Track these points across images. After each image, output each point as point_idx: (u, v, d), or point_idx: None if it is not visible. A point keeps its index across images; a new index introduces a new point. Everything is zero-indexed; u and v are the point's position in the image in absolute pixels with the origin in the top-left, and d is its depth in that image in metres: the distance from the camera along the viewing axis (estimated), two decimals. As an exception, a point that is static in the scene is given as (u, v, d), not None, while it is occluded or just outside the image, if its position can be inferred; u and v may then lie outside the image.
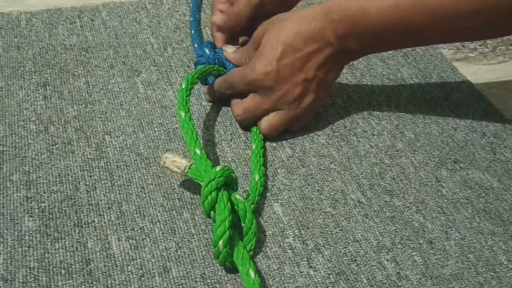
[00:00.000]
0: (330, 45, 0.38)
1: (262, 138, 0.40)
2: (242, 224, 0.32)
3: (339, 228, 0.35)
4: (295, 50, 0.38)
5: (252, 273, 0.30)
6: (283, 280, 0.32)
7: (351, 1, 0.37)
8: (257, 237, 0.33)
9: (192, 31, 0.49)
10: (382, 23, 0.36)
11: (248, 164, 0.39)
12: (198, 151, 0.34)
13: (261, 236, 0.34)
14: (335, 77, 0.41)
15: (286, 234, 0.34)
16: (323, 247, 0.34)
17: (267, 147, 0.40)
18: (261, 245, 0.34)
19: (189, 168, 0.33)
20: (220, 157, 0.39)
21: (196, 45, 0.47)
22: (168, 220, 0.34)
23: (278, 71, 0.38)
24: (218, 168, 0.32)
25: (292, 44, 0.38)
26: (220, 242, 0.31)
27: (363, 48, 0.39)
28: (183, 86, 0.38)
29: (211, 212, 0.32)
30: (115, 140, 0.39)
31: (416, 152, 0.41)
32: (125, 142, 0.39)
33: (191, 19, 0.51)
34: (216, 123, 0.42)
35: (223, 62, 0.44)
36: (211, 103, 0.44)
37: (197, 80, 0.40)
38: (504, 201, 0.38)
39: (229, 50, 0.43)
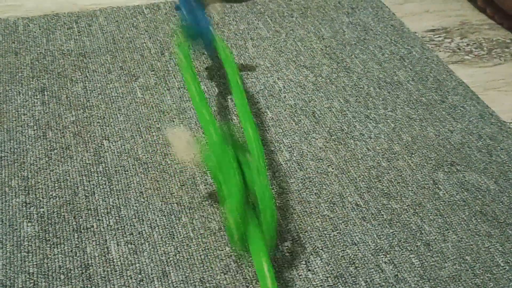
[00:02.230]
0: None
1: (241, 86, 0.38)
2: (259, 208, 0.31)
3: (337, 231, 0.35)
4: None
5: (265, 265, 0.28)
6: (282, 283, 0.32)
7: None
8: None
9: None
10: None
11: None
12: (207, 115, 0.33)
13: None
14: None
15: (284, 237, 0.34)
16: (321, 250, 0.34)
17: (264, 151, 0.40)
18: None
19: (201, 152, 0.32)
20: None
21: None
22: (167, 225, 0.35)
23: None
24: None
25: None
26: (232, 219, 0.29)
27: None
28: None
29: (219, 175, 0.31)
30: (113, 145, 0.40)
31: (413, 155, 0.41)
32: (123, 146, 0.40)
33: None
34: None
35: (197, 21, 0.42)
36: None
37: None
38: (501, 203, 0.38)
39: None
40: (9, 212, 0.34)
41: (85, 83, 0.45)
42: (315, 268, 0.33)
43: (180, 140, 0.33)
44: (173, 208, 0.36)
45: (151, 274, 0.32)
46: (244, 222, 0.30)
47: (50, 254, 0.32)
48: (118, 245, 0.33)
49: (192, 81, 0.35)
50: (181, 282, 0.31)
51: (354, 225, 0.36)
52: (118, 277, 0.31)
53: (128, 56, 0.48)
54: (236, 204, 0.29)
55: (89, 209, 0.35)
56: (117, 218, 0.35)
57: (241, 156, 0.31)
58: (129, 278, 0.31)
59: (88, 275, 0.31)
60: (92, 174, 0.37)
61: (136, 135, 0.41)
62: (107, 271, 0.32)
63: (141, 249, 0.33)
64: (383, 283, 0.32)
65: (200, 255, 0.33)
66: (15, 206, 0.35)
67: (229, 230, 0.30)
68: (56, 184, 0.36)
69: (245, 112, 0.35)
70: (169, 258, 0.33)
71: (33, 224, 0.34)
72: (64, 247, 0.33)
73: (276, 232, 0.31)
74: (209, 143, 0.32)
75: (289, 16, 0.56)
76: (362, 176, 0.39)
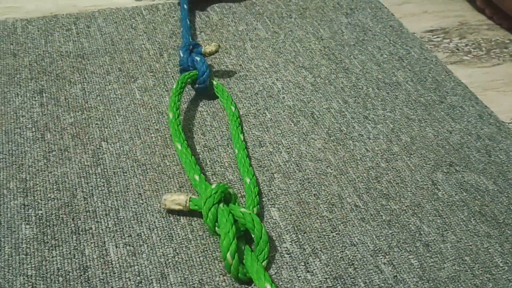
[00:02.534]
0: None
1: (243, 140, 0.40)
2: (252, 235, 0.32)
3: (336, 232, 0.35)
4: None
5: (268, 286, 0.30)
6: (281, 285, 0.32)
7: None
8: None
9: (183, 30, 0.50)
10: None
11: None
12: (197, 177, 0.35)
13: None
14: None
15: (283, 239, 0.34)
16: (320, 252, 0.34)
17: (263, 152, 0.40)
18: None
19: (189, 201, 0.34)
20: (217, 162, 0.39)
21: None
22: (166, 226, 0.34)
23: None
24: (213, 185, 0.33)
25: None
26: (228, 255, 0.31)
27: None
28: (170, 110, 0.39)
29: (216, 229, 0.32)
30: (111, 147, 0.40)
31: (412, 156, 0.41)
32: (122, 148, 0.40)
33: (182, 22, 0.51)
34: (212, 128, 0.42)
35: (194, 64, 0.44)
36: (205, 108, 0.44)
37: (182, 90, 0.41)
38: (500, 203, 0.38)
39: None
40: (7, 214, 0.34)
41: (84, 85, 0.45)
42: (314, 269, 0.33)
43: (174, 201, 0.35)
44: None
45: (150, 276, 0.32)
46: (240, 257, 0.31)
47: (49, 257, 0.32)
48: (116, 247, 0.33)
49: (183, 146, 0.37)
50: (180, 283, 0.31)
51: (353, 226, 0.36)
52: (116, 279, 0.31)
53: (127, 58, 0.48)
54: (229, 243, 0.31)
55: (88, 211, 0.35)
56: (115, 220, 0.35)
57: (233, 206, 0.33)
58: (127, 280, 0.31)
59: (86, 277, 0.31)
60: (91, 176, 0.37)
61: (134, 137, 0.41)
62: (106, 273, 0.32)
63: (139, 251, 0.33)
64: (382, 284, 0.32)
65: (199, 257, 0.33)
66: (13, 208, 0.35)
67: (227, 266, 0.31)
68: (54, 186, 0.36)
69: (245, 164, 0.38)
70: (168, 259, 0.33)
71: (32, 226, 0.34)
72: (62, 249, 0.33)
73: (268, 246, 0.32)
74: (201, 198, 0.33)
75: (287, 17, 0.56)
76: (361, 177, 0.39)
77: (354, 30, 0.55)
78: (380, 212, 0.37)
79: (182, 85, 0.41)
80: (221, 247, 0.31)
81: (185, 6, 0.53)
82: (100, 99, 0.44)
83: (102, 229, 0.34)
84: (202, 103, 0.45)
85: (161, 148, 0.40)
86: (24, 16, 0.53)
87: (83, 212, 0.35)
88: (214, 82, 0.44)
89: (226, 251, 0.31)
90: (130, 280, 0.31)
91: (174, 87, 0.41)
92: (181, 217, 0.35)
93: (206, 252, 0.33)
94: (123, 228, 0.34)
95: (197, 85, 0.44)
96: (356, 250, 0.34)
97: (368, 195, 0.38)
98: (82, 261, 0.32)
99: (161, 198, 0.36)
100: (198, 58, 0.44)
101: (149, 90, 0.45)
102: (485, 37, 0.57)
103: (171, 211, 0.35)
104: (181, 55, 0.45)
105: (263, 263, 0.32)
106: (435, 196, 0.38)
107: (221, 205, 0.32)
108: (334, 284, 0.32)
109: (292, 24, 0.55)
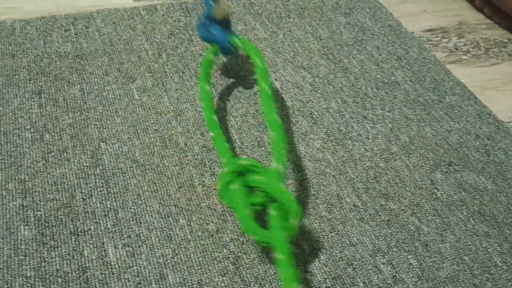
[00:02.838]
0: None
1: (269, 88, 0.38)
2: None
3: (335, 232, 0.35)
4: None
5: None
6: (280, 285, 0.32)
7: None
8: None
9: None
10: None
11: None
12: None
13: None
14: None
15: (282, 239, 0.34)
16: (319, 252, 0.34)
17: (261, 152, 0.40)
18: (257, 251, 0.34)
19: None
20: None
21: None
22: (165, 227, 0.34)
23: None
24: (239, 160, 0.32)
25: None
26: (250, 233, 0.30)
27: None
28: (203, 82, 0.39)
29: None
30: (110, 147, 0.40)
31: (410, 155, 0.41)
32: (120, 149, 0.40)
33: None
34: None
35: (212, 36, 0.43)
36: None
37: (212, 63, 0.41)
38: (499, 203, 0.38)
39: None
40: (6, 215, 0.34)
41: (82, 85, 0.45)
42: (313, 269, 0.33)
43: None
44: (171, 210, 0.36)
45: (149, 277, 0.32)
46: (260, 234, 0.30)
47: (48, 258, 0.32)
48: (115, 247, 0.33)
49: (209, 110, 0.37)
50: (179, 284, 0.31)
51: (352, 226, 0.36)
52: (115, 280, 0.31)
53: (125, 58, 0.48)
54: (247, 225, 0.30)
55: (87, 211, 0.35)
56: (114, 220, 0.34)
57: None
58: (126, 281, 0.31)
59: (85, 278, 0.31)
60: (90, 177, 0.37)
61: (133, 137, 0.41)
62: (105, 274, 0.32)
63: (138, 252, 0.33)
64: (381, 284, 0.32)
65: (198, 257, 0.33)
66: (12, 209, 0.35)
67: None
68: (53, 187, 0.36)
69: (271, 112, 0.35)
70: (166, 260, 0.33)
71: (30, 227, 0.34)
72: (61, 250, 0.33)
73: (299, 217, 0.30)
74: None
75: (286, 17, 0.56)
76: (360, 177, 0.39)
77: (352, 30, 0.55)
78: (379, 212, 0.37)
79: (208, 63, 0.41)
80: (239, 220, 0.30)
81: None
82: (99, 100, 0.44)
83: (101, 230, 0.34)
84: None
85: (160, 148, 0.40)
86: (22, 16, 0.53)
87: (82, 213, 0.35)
88: (237, 40, 0.42)
89: (246, 226, 0.30)
90: (129, 281, 0.31)
91: (202, 63, 0.41)
92: (180, 218, 0.35)
93: (205, 252, 0.33)
94: (122, 228, 0.34)
95: (223, 54, 0.44)
96: (355, 250, 0.34)
97: (367, 195, 0.38)
98: (81, 262, 0.32)
99: (160, 198, 0.36)
100: (214, 32, 0.42)
101: (147, 90, 0.45)
102: (484, 36, 0.57)
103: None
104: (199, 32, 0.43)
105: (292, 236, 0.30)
106: (434, 195, 0.38)
107: (236, 183, 0.31)
108: (333, 284, 0.32)
109: (291, 24, 0.55)
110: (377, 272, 0.33)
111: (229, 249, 0.33)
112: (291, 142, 0.41)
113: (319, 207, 0.37)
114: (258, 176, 0.31)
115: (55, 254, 0.32)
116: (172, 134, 0.41)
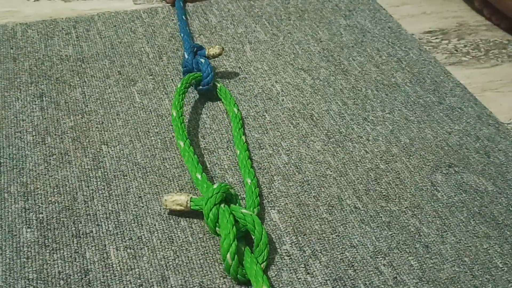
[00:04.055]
0: None
1: (245, 141, 0.40)
2: (253, 237, 0.33)
3: (336, 234, 0.35)
4: None
5: None
6: (281, 286, 0.32)
7: None
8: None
9: (182, 34, 0.50)
10: None
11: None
12: (199, 176, 0.35)
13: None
14: None
15: (283, 241, 0.35)
16: (320, 253, 0.34)
17: (262, 154, 0.41)
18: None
19: (190, 201, 0.34)
20: (216, 165, 0.39)
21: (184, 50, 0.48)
22: (166, 229, 0.35)
23: None
24: (215, 185, 0.33)
25: None
26: (228, 255, 0.31)
27: None
28: (174, 108, 0.40)
29: (217, 229, 0.33)
30: (112, 150, 0.40)
31: (411, 157, 0.41)
32: (122, 151, 0.40)
33: (179, 23, 0.52)
34: (212, 130, 0.42)
35: (199, 66, 0.44)
36: (205, 111, 0.44)
37: (186, 90, 0.42)
38: (499, 204, 0.38)
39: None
40: (8, 218, 0.34)
41: (84, 88, 0.45)
42: (314, 271, 0.33)
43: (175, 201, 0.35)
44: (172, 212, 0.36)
45: (151, 279, 0.32)
46: (240, 258, 0.32)
47: (50, 260, 0.32)
48: (117, 250, 0.33)
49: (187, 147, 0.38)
50: (181, 286, 0.32)
51: (353, 228, 0.36)
52: (117, 282, 0.31)
53: (126, 61, 0.48)
54: (229, 245, 0.31)
55: (88, 214, 0.35)
56: (116, 223, 0.35)
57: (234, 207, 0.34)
58: (128, 283, 0.31)
59: (87, 280, 0.31)
60: (91, 179, 0.37)
61: (134, 140, 0.41)
62: (107, 276, 0.32)
63: (140, 254, 0.33)
64: (382, 286, 0.32)
65: (199, 259, 0.33)
66: (14, 212, 0.35)
67: (227, 267, 0.31)
68: (55, 190, 0.36)
69: (246, 165, 0.38)
70: (168, 262, 0.33)
71: (33, 230, 0.34)
72: (63, 253, 0.33)
73: (268, 248, 0.32)
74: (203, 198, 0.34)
75: (286, 19, 0.56)
76: (360, 179, 0.39)
77: (352, 32, 0.55)
78: (380, 213, 0.37)
79: (186, 85, 0.42)
80: (221, 248, 0.31)
81: (180, 3, 0.54)
82: (100, 103, 0.44)
83: (102, 232, 0.34)
84: (202, 106, 0.45)
85: (161, 151, 0.40)
86: (23, 20, 0.53)
87: (83, 216, 0.35)
88: (218, 85, 0.45)
89: (226, 252, 0.31)
90: (131, 283, 0.31)
91: (178, 86, 0.41)
92: (181, 220, 0.35)
93: (206, 254, 0.33)
94: (123, 231, 0.34)
95: (201, 87, 0.44)
96: (356, 251, 0.34)
97: (367, 197, 0.38)
98: (83, 265, 0.32)
99: (161, 200, 0.36)
100: (202, 60, 0.44)
101: (148, 93, 0.45)
102: (484, 38, 0.57)
103: (172, 212, 0.35)
104: (186, 56, 0.45)
105: (263, 265, 0.32)
106: (435, 197, 0.38)
107: (222, 205, 0.33)
108: (334, 285, 0.32)
109: (291, 26, 0.55)
110: (378, 273, 0.33)
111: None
112: (291, 144, 0.42)
113: (320, 209, 0.37)
114: (244, 210, 0.33)
115: (57, 257, 0.32)
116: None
